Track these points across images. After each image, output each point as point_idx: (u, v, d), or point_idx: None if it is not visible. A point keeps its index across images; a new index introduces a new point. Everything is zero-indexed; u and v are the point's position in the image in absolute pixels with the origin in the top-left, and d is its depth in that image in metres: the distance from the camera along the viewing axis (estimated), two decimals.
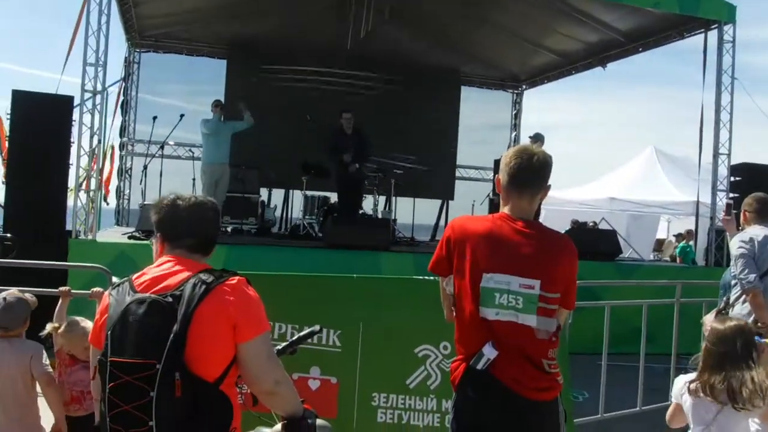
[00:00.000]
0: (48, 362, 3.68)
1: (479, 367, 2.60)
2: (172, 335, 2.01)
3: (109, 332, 2.09)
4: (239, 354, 2.14)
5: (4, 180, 8.38)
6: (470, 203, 12.33)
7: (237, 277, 2.21)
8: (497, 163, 12.43)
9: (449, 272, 2.74)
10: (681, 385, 3.19)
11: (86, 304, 4.24)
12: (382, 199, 11.09)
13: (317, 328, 2.95)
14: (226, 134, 10.08)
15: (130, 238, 8.69)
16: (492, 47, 13.76)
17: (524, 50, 13.61)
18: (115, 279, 4.18)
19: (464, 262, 2.65)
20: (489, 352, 2.58)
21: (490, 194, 11.95)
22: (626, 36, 11.89)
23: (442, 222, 13.36)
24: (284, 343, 2.82)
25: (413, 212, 12.11)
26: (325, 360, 4.08)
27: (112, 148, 11.48)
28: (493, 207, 11.43)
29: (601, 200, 15.99)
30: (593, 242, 9.99)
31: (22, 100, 8.25)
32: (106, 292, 2.27)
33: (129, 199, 13.46)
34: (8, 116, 8.35)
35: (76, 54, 9.05)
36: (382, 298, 4.36)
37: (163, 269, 2.22)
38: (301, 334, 2.94)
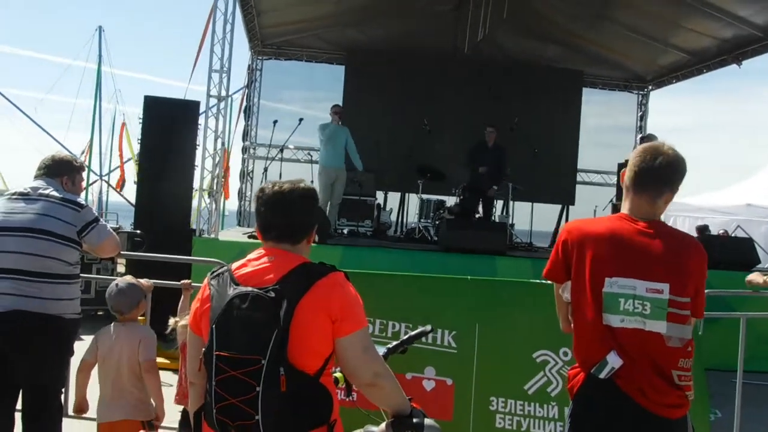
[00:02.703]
0: (155, 350, 3.78)
1: (602, 375, 2.42)
2: (275, 331, 2.01)
3: (214, 325, 2.09)
4: (338, 348, 2.14)
5: (135, 180, 8.85)
6: (592, 208, 11.79)
7: (336, 273, 2.20)
8: (621, 166, 11.85)
9: (566, 278, 2.58)
10: None
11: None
12: (499, 203, 10.84)
13: (429, 327, 2.90)
14: (342, 139, 10.16)
15: (250, 237, 8.92)
16: (616, 47, 13.19)
17: (651, 49, 12.95)
18: None
19: (583, 266, 2.48)
20: (613, 361, 2.40)
21: (614, 199, 11.39)
22: (765, 31, 11.04)
23: (561, 227, 12.87)
24: (396, 342, 2.80)
25: (531, 217, 11.74)
26: (441, 361, 4.01)
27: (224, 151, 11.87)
28: (617, 212, 10.89)
29: (737, 207, 14.83)
30: (725, 251, 9.24)
31: (152, 105, 8.69)
32: (206, 280, 2.27)
33: (250, 201, 13.91)
34: (140, 120, 8.82)
35: (202, 63, 9.45)
36: (498, 300, 4.26)
37: (262, 262, 2.21)
38: (413, 333, 2.90)
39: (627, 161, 2.63)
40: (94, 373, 3.79)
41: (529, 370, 4.02)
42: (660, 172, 2.51)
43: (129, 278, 3.92)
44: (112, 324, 3.78)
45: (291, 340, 2.03)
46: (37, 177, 3.82)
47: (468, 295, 4.25)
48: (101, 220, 3.85)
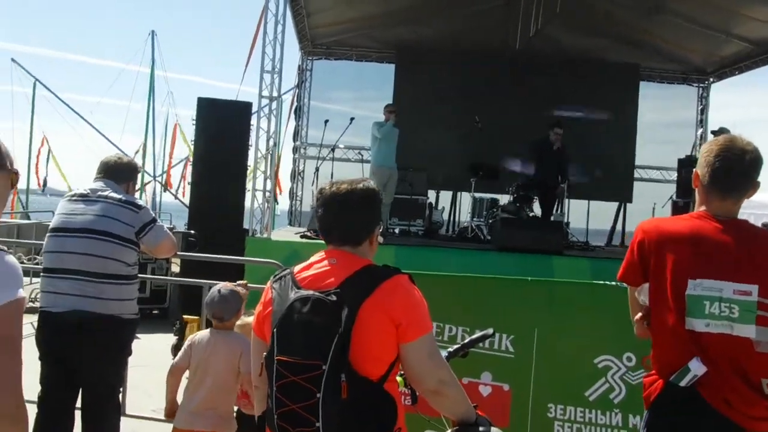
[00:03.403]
0: None
1: (683, 383, 2.27)
2: (336, 336, 1.96)
3: (275, 329, 2.06)
4: (402, 354, 2.08)
5: (190, 181, 8.97)
6: (650, 206, 11.45)
7: (400, 275, 2.12)
8: (681, 162, 11.50)
9: (642, 280, 2.44)
10: None
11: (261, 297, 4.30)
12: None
13: (490, 331, 2.80)
14: (395, 139, 10.09)
15: (302, 237, 8.94)
16: (674, 38, 12.76)
17: (710, 40, 12.49)
18: None
19: (663, 267, 2.33)
20: (696, 368, 2.25)
21: (673, 196, 11.07)
22: None
23: (618, 226, 12.56)
24: (455, 346, 2.73)
25: (587, 215, 11.47)
26: (498, 365, 3.90)
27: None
28: (677, 210, 10.58)
29: None
30: None
31: (206, 106, 8.79)
32: (269, 283, 2.25)
33: (301, 201, 13.98)
34: (193, 122, 8.93)
35: (253, 64, 9.53)
36: (558, 303, 4.11)
37: (324, 265, 2.16)
38: (473, 337, 2.82)
39: (688, 157, 2.49)
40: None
41: (590, 375, 3.87)
42: (744, 170, 2.36)
43: (229, 285, 3.87)
44: (209, 331, 3.72)
45: (353, 346, 1.98)
46: (96, 179, 3.85)
47: (527, 298, 4.12)
48: (158, 221, 3.87)
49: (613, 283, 3.35)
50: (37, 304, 3.71)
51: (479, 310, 4.02)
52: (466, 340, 2.76)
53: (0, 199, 1.81)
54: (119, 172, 3.88)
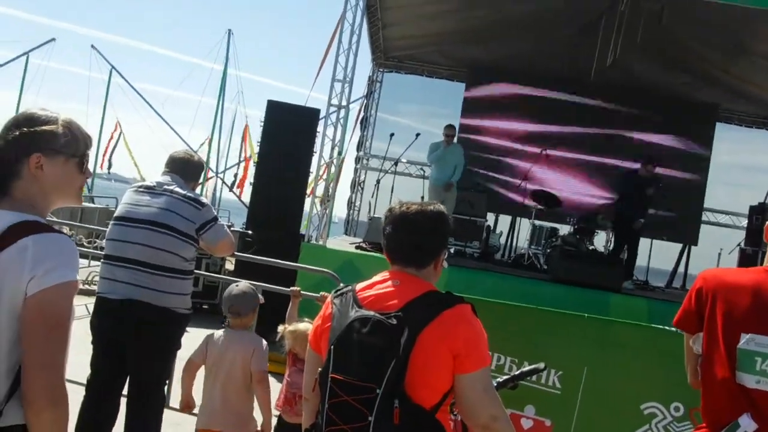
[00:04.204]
0: (267, 361, 3.73)
1: None
2: (393, 360, 1.94)
3: (332, 346, 2.04)
4: (457, 385, 2.05)
5: (251, 181, 9.07)
6: (716, 251, 11.07)
7: (463, 305, 2.08)
8: (753, 209, 11.05)
9: (697, 329, 2.37)
10: None
11: (313, 305, 4.29)
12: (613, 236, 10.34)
13: (542, 365, 2.75)
14: (452, 160, 9.99)
15: (357, 248, 8.93)
16: (756, 80, 12.29)
17: None
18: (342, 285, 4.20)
19: (717, 318, 2.26)
20: (746, 425, 2.17)
21: (742, 243, 10.65)
22: None
23: (681, 268, 12.15)
24: (505, 377, 2.67)
25: (649, 254, 11.14)
26: (542, 400, 3.84)
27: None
28: (744, 258, 10.17)
29: None
30: None
31: (275, 109, 8.89)
32: (329, 298, 2.23)
33: (359, 211, 14.00)
34: (261, 123, 9.05)
35: (325, 71, 9.61)
36: (612, 343, 4.02)
37: (387, 286, 2.14)
38: (524, 369, 2.77)
39: (761, 204, 2.37)
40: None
41: (634, 420, 3.78)
42: None
43: (246, 283, 3.91)
44: (224, 330, 3.75)
45: (409, 372, 1.95)
46: (164, 172, 3.91)
47: (581, 334, 4.02)
48: (219, 219, 3.90)
49: (670, 328, 3.22)
50: (93, 287, 3.79)
51: (530, 341, 3.95)
52: (516, 372, 2.70)
53: (67, 184, 1.82)
54: (187, 169, 3.94)
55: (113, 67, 21.68)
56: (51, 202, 1.80)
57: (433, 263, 2.22)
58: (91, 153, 1.93)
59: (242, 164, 22.09)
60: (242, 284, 3.83)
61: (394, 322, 1.98)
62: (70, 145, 1.79)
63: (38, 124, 1.76)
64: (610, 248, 10.15)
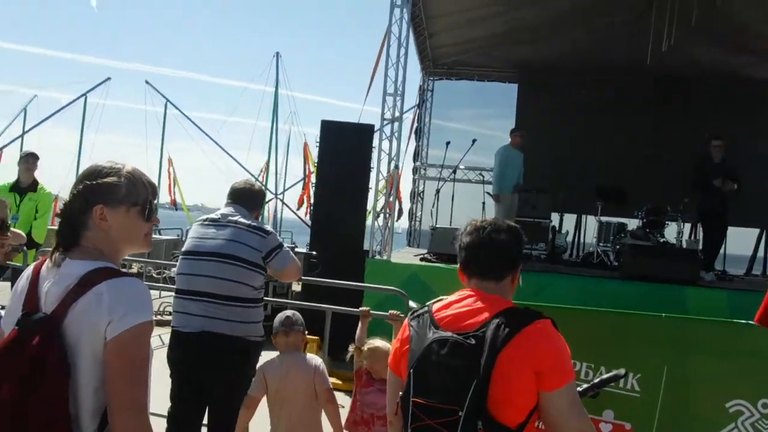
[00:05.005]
0: (328, 377, 3.75)
1: None
2: (475, 381, 1.91)
3: (412, 369, 2.03)
4: (542, 402, 2.00)
5: (312, 202, 9.16)
6: None
7: (543, 320, 2.04)
8: None
9: None
10: None
11: (382, 323, 4.30)
12: (686, 225, 10.00)
13: (622, 372, 2.70)
14: (517, 164, 9.86)
15: (422, 260, 8.89)
16: None
17: None
18: (412, 303, 4.20)
19: None
20: None
21: None
22: None
23: (760, 253, 11.64)
24: (585, 385, 2.57)
25: (725, 241, 10.71)
26: (621, 404, 3.67)
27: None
28: None
29: None
30: None
31: (329, 129, 8.97)
32: (407, 320, 2.23)
33: (420, 221, 13.97)
34: (317, 143, 9.14)
35: (376, 84, 9.66)
36: (692, 341, 3.83)
37: (464, 305, 2.12)
38: (604, 377, 2.67)
39: None
40: None
41: (719, 420, 3.57)
42: None
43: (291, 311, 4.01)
44: (277, 356, 3.79)
45: (491, 392, 1.92)
46: (227, 204, 3.99)
47: (659, 335, 3.87)
48: (285, 246, 3.94)
49: (753, 323, 3.10)
50: (165, 317, 3.88)
51: (606, 345, 3.81)
52: (597, 380, 2.61)
53: (132, 232, 1.89)
54: (249, 199, 4.00)
55: (168, 99, 22.41)
56: (119, 250, 1.89)
57: (510, 276, 2.22)
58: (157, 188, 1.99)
59: (303, 182, 22.36)
60: (289, 311, 3.92)
61: (473, 342, 1.96)
62: (131, 194, 1.86)
63: (101, 177, 1.85)
64: (684, 239, 9.82)
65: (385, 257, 8.73)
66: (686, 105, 12.19)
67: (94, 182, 1.83)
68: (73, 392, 1.68)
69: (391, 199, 9.21)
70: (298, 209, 21.41)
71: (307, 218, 20.05)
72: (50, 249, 1.88)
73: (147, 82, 22.15)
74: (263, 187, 4.51)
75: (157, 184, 2.09)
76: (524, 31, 11.79)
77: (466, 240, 2.24)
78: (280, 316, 3.86)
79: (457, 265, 2.29)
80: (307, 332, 3.92)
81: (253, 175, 22.01)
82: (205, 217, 4.04)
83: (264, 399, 3.75)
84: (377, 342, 3.86)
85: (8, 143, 20.73)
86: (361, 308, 4.24)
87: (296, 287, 9.16)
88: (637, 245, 9.05)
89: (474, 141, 10.39)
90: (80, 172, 1.92)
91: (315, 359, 3.77)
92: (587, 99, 12.37)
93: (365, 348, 3.86)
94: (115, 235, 1.85)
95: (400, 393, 2.07)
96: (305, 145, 22.27)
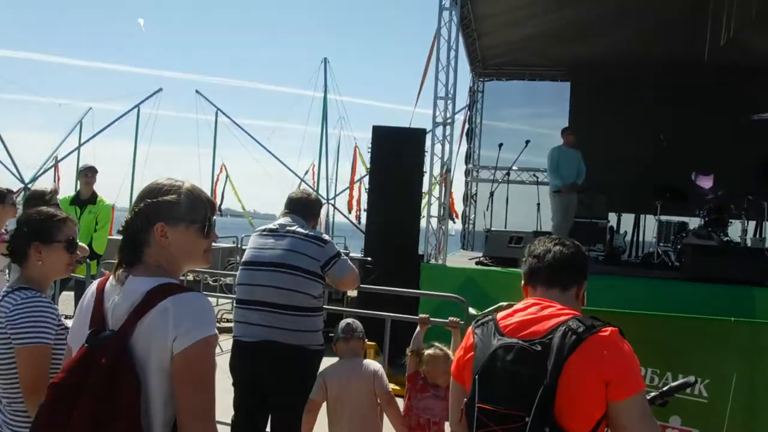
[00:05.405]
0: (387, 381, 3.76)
1: None
2: (541, 387, 1.90)
3: (477, 376, 2.03)
4: (611, 412, 1.97)
5: (365, 208, 9.17)
6: None
7: (610, 328, 2.01)
8: None
9: None
10: None
11: (438, 328, 4.29)
12: (751, 224, 9.67)
13: (692, 379, 2.65)
14: (573, 163, 9.67)
15: (477, 263, 8.82)
16: None
17: None
18: (471, 310, 4.17)
19: None
20: None
21: None
22: None
23: None
24: (653, 393, 2.53)
25: None
26: (689, 410, 3.62)
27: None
28: None
29: None
30: None
31: (380, 134, 8.96)
32: (470, 328, 2.23)
33: (474, 224, 13.87)
34: (369, 149, 9.14)
35: (427, 87, 9.64)
36: (763, 347, 3.72)
37: (529, 313, 2.11)
38: (674, 384, 2.61)
39: None
40: None
41: None
42: None
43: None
44: (338, 361, 3.82)
45: (558, 399, 1.90)
46: (284, 213, 4.02)
47: (728, 340, 3.76)
48: (342, 254, 3.95)
49: None
50: (223, 324, 3.92)
51: (673, 351, 3.74)
52: (665, 388, 2.55)
53: (191, 249, 1.93)
54: (305, 208, 4.03)
55: (218, 108, 22.68)
56: (180, 266, 1.93)
57: (575, 288, 2.23)
58: (205, 191, 2.01)
59: (350, 186, 22.45)
60: (347, 319, 3.98)
61: (539, 348, 1.95)
62: (190, 212, 1.90)
63: (161, 195, 1.89)
64: (748, 238, 9.50)
65: (440, 261, 8.68)
66: (747, 98, 11.77)
67: (155, 200, 1.87)
68: (144, 405, 1.72)
69: (444, 202, 9.14)
70: (349, 212, 21.48)
71: (358, 222, 20.15)
72: (113, 261, 1.93)
73: (197, 92, 22.53)
74: (319, 196, 4.54)
75: (211, 193, 2.11)
76: (576, 28, 11.60)
77: (532, 251, 2.27)
78: (341, 324, 3.90)
79: (514, 269, 2.29)
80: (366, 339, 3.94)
81: (304, 181, 22.21)
82: (263, 227, 4.08)
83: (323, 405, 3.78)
84: (437, 349, 3.86)
85: (65, 156, 21.38)
86: (420, 315, 4.24)
87: (352, 293, 9.19)
88: (700, 245, 8.79)
89: (527, 142, 10.26)
90: (137, 185, 1.98)
91: (374, 364, 3.79)
92: (642, 95, 12.09)
93: (426, 353, 3.87)
94: (176, 251, 1.89)
95: (464, 400, 2.07)
96: (355, 148, 22.34)
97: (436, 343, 3.97)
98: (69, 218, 2.68)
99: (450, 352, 3.93)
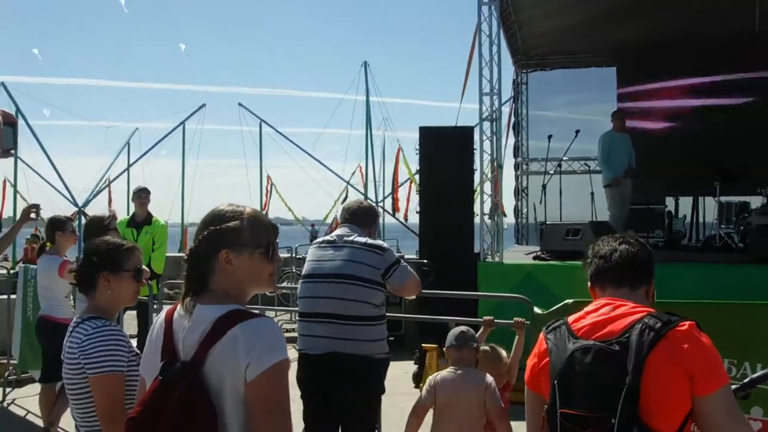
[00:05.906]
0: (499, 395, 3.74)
1: None
2: (625, 387, 1.85)
3: (555, 381, 1.99)
4: (697, 407, 1.90)
5: (418, 210, 9.14)
6: None
7: (687, 322, 1.95)
8: None
9: None
10: None
11: (500, 328, 4.26)
12: None
13: None
14: (625, 148, 9.43)
15: (534, 258, 8.69)
16: None
17: None
18: (537, 310, 4.12)
19: None
20: None
21: None
22: None
23: None
24: (735, 385, 2.41)
25: None
26: None
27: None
28: None
29: None
30: None
31: (427, 134, 8.93)
32: (542, 334, 2.19)
33: (527, 218, 13.70)
34: (417, 150, 9.10)
35: (472, 81, 9.55)
36: None
37: (601, 314, 2.06)
38: (755, 376, 2.49)
39: None
40: None
41: None
42: None
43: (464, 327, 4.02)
44: (450, 369, 3.80)
45: (642, 398, 1.86)
46: (341, 224, 4.04)
47: None
48: (402, 261, 3.94)
49: None
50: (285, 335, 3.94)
51: (749, 339, 3.65)
52: (747, 380, 2.42)
53: (257, 274, 1.94)
54: (361, 217, 4.04)
55: (261, 119, 22.90)
56: (246, 292, 1.93)
57: (644, 287, 2.18)
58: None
59: (402, 187, 22.42)
60: (461, 326, 3.96)
61: (617, 348, 1.91)
62: (254, 237, 1.90)
63: (224, 221, 1.90)
64: None
65: (496, 259, 8.60)
66: None
67: (218, 227, 1.88)
68: None
69: (496, 198, 9.05)
70: (394, 214, 21.44)
71: (408, 222, 20.10)
72: (173, 281, 1.95)
73: (240, 104, 22.82)
74: (375, 206, 4.54)
75: (261, 205, 2.12)
76: (619, 11, 11.33)
77: (596, 251, 2.24)
78: (455, 331, 3.89)
79: (573, 261, 2.25)
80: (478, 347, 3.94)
81: (351, 185, 22.28)
82: (321, 239, 4.11)
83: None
84: (489, 347, 3.93)
85: (116, 177, 21.88)
86: (485, 317, 4.22)
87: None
88: (765, 225, 8.48)
89: (577, 132, 10.06)
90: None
91: (487, 377, 3.75)
92: (691, 73, 11.75)
93: (480, 356, 3.88)
94: (241, 277, 1.89)
95: (545, 407, 2.03)
96: (398, 150, 22.29)
97: (497, 347, 4.00)
98: (135, 247, 2.72)
99: (504, 354, 3.95)
